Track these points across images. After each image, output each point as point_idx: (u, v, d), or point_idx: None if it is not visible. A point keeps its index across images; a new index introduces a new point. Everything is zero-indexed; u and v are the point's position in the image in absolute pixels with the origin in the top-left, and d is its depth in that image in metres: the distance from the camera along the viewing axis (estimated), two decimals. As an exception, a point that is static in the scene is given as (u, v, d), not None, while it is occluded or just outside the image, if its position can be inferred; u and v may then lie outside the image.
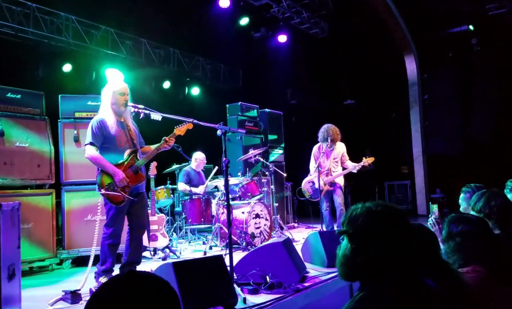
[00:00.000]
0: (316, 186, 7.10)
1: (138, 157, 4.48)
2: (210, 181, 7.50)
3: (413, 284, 1.56)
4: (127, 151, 4.43)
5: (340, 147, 7.20)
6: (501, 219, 2.57)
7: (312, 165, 7.27)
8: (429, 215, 3.46)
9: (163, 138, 4.59)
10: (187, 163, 7.82)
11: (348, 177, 7.60)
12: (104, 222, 4.42)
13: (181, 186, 7.48)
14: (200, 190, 7.38)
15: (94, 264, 4.44)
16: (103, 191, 4.25)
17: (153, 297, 1.15)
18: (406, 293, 1.51)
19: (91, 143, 4.32)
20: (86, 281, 4.27)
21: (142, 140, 4.80)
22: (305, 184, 7.42)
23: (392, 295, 1.51)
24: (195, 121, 4.39)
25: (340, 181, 7.13)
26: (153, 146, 4.67)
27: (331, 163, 7.10)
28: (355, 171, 7.06)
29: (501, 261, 2.13)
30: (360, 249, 1.59)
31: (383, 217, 1.59)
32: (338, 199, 7.01)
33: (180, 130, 4.64)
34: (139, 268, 4.70)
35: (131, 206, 4.45)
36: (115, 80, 4.69)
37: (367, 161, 6.90)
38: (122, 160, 4.37)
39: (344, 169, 7.17)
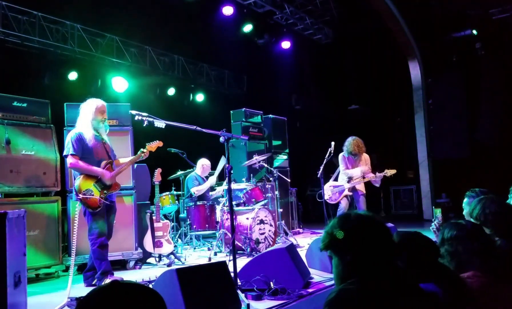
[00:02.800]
0: (334, 190, 7.31)
1: (113, 167, 4.85)
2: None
3: (399, 287, 1.60)
4: (103, 163, 4.78)
5: (365, 159, 7.30)
6: (497, 226, 2.55)
7: (341, 173, 7.37)
8: (433, 220, 3.46)
9: (140, 149, 5.03)
10: (191, 169, 7.84)
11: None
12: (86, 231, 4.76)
13: (194, 189, 7.41)
14: (208, 184, 7.46)
15: (80, 271, 4.57)
16: (81, 196, 4.56)
17: (137, 305, 1.17)
18: (390, 289, 1.55)
19: (72, 155, 4.66)
20: (70, 288, 4.22)
21: (115, 154, 5.13)
22: (327, 187, 7.45)
23: (376, 289, 1.55)
24: (198, 128, 4.44)
25: (362, 188, 7.23)
26: (126, 159, 5.11)
27: (359, 171, 7.19)
28: (377, 184, 7.22)
29: (500, 267, 2.12)
30: (348, 250, 1.65)
31: (366, 222, 1.67)
32: (363, 206, 7.15)
33: (151, 147, 5.09)
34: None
35: (106, 212, 4.77)
36: (96, 99, 5.00)
37: (389, 172, 7.03)
38: None
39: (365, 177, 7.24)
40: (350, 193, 7.22)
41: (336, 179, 7.51)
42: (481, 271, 2.08)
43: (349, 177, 7.21)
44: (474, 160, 11.36)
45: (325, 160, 7.42)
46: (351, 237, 1.64)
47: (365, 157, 7.31)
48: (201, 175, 7.77)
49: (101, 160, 4.77)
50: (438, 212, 3.62)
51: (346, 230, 1.65)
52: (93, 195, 4.57)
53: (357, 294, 1.53)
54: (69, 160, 4.69)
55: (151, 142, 5.08)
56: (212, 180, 7.50)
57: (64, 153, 4.76)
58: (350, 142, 7.21)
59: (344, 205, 7.24)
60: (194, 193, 7.40)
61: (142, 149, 5.01)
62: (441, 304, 1.68)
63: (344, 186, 7.23)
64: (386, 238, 1.66)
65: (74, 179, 4.68)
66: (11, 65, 8.01)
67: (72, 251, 4.44)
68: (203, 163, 7.79)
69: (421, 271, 1.91)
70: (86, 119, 4.82)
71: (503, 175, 8.32)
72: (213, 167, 8.14)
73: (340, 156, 7.39)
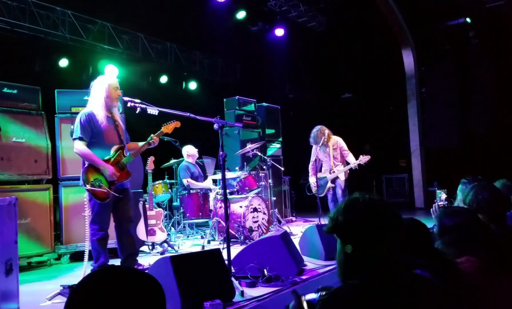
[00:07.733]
0: (319, 183, 7.18)
1: (124, 153, 4.48)
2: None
3: (404, 275, 1.50)
4: (114, 148, 4.42)
5: (337, 143, 7.13)
6: (490, 213, 2.55)
7: (311, 165, 7.32)
8: (435, 200, 3.46)
9: (151, 135, 4.62)
10: (183, 158, 7.80)
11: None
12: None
13: (189, 181, 7.39)
14: (206, 184, 7.49)
15: (90, 259, 4.43)
16: (88, 187, 4.22)
17: (133, 290, 1.13)
18: (394, 283, 1.45)
19: (79, 138, 4.29)
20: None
21: (128, 136, 4.80)
22: (314, 180, 7.35)
23: (380, 285, 1.44)
24: (192, 115, 4.38)
25: (342, 176, 7.08)
26: (140, 144, 4.68)
27: (331, 160, 7.08)
28: (354, 168, 7.04)
29: (494, 251, 2.13)
30: (350, 239, 1.52)
31: (374, 206, 1.51)
32: (339, 190, 7.08)
33: (167, 128, 4.71)
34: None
35: (116, 201, 4.43)
36: (109, 74, 4.67)
37: (363, 159, 6.85)
38: (108, 156, 4.37)
39: (347, 163, 7.10)
40: (333, 185, 7.16)
41: (320, 170, 7.35)
42: (478, 256, 2.08)
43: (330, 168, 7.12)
44: (466, 149, 11.43)
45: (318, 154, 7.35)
46: (356, 227, 1.48)
47: (335, 142, 7.12)
48: (191, 162, 7.73)
49: (111, 144, 4.40)
50: (442, 193, 3.62)
51: (352, 218, 1.50)
52: (101, 186, 4.21)
53: (361, 293, 1.40)
54: (76, 145, 4.29)
55: (167, 123, 4.68)
56: (208, 182, 7.58)
57: (74, 136, 4.33)
58: (314, 133, 7.09)
59: (331, 196, 7.21)
60: (186, 183, 7.38)
61: (152, 135, 4.60)
62: (436, 290, 1.66)
63: (327, 177, 7.14)
64: (398, 228, 1.48)
65: (83, 166, 4.31)
66: (1, 52, 7.89)
67: (86, 237, 4.34)
68: (187, 151, 7.73)
69: (416, 257, 1.91)
70: (98, 98, 4.39)
71: (495, 164, 8.39)
72: (207, 154, 8.11)
73: (313, 149, 7.28)
